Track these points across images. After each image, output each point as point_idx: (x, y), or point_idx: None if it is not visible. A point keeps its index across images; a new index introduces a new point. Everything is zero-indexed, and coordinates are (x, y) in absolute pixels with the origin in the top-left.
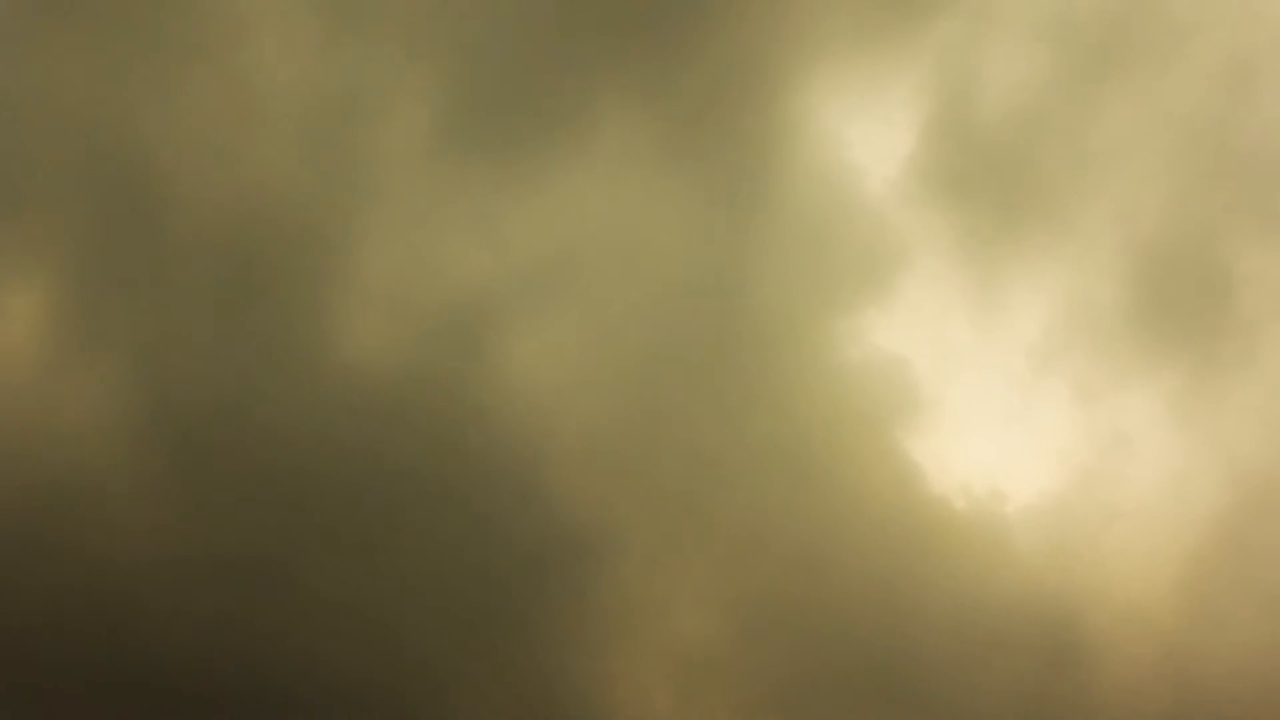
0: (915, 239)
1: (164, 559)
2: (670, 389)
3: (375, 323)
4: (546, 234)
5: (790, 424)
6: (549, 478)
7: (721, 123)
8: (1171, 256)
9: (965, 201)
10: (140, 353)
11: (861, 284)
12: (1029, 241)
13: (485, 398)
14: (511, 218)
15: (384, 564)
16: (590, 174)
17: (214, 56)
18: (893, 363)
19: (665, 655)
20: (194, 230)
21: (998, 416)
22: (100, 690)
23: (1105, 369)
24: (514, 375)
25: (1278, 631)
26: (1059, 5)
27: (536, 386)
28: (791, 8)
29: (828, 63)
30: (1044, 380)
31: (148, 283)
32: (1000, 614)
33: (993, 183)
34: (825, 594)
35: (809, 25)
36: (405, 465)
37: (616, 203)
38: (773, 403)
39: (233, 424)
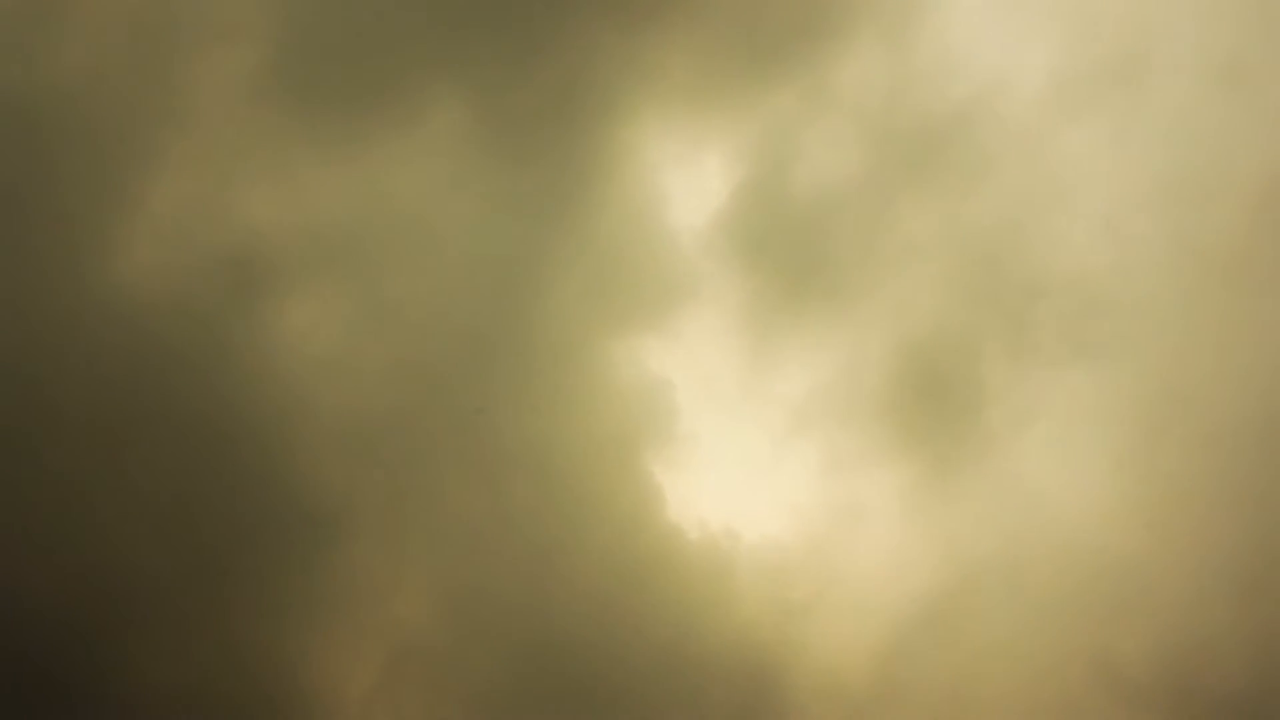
0: (707, 286)
1: None
2: (434, 379)
3: (153, 253)
4: (347, 203)
5: (548, 430)
6: (296, 444)
7: (547, 133)
8: (933, 359)
9: (759, 264)
10: None
11: (647, 313)
12: (809, 314)
13: (250, 352)
14: (316, 179)
15: (106, 498)
16: (405, 155)
17: None
18: (660, 390)
19: (373, 640)
20: None
21: (747, 463)
22: None
23: (853, 444)
24: (284, 336)
25: (955, 717)
26: (887, 106)
27: (304, 351)
28: (639, 44)
29: (663, 104)
30: (797, 441)
31: None
32: (710, 650)
33: (788, 253)
34: (548, 601)
35: (653, 63)
36: (152, 400)
37: (425, 188)
38: (535, 407)
39: None
